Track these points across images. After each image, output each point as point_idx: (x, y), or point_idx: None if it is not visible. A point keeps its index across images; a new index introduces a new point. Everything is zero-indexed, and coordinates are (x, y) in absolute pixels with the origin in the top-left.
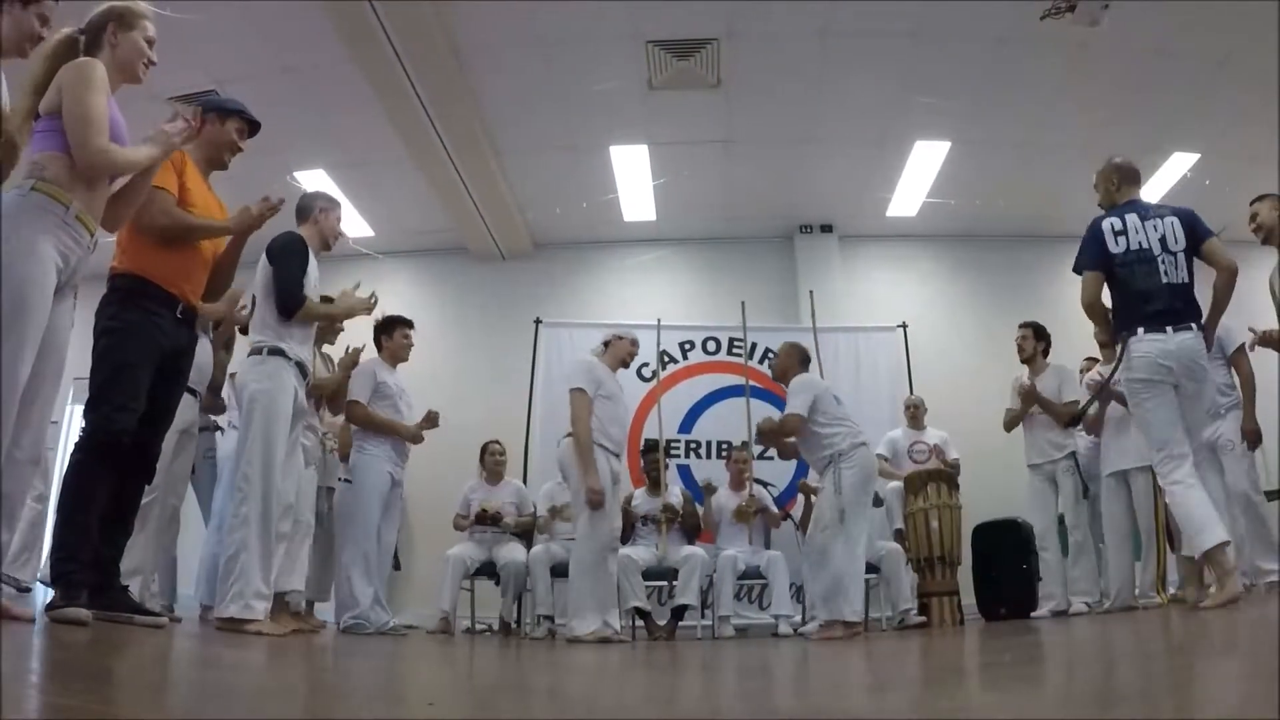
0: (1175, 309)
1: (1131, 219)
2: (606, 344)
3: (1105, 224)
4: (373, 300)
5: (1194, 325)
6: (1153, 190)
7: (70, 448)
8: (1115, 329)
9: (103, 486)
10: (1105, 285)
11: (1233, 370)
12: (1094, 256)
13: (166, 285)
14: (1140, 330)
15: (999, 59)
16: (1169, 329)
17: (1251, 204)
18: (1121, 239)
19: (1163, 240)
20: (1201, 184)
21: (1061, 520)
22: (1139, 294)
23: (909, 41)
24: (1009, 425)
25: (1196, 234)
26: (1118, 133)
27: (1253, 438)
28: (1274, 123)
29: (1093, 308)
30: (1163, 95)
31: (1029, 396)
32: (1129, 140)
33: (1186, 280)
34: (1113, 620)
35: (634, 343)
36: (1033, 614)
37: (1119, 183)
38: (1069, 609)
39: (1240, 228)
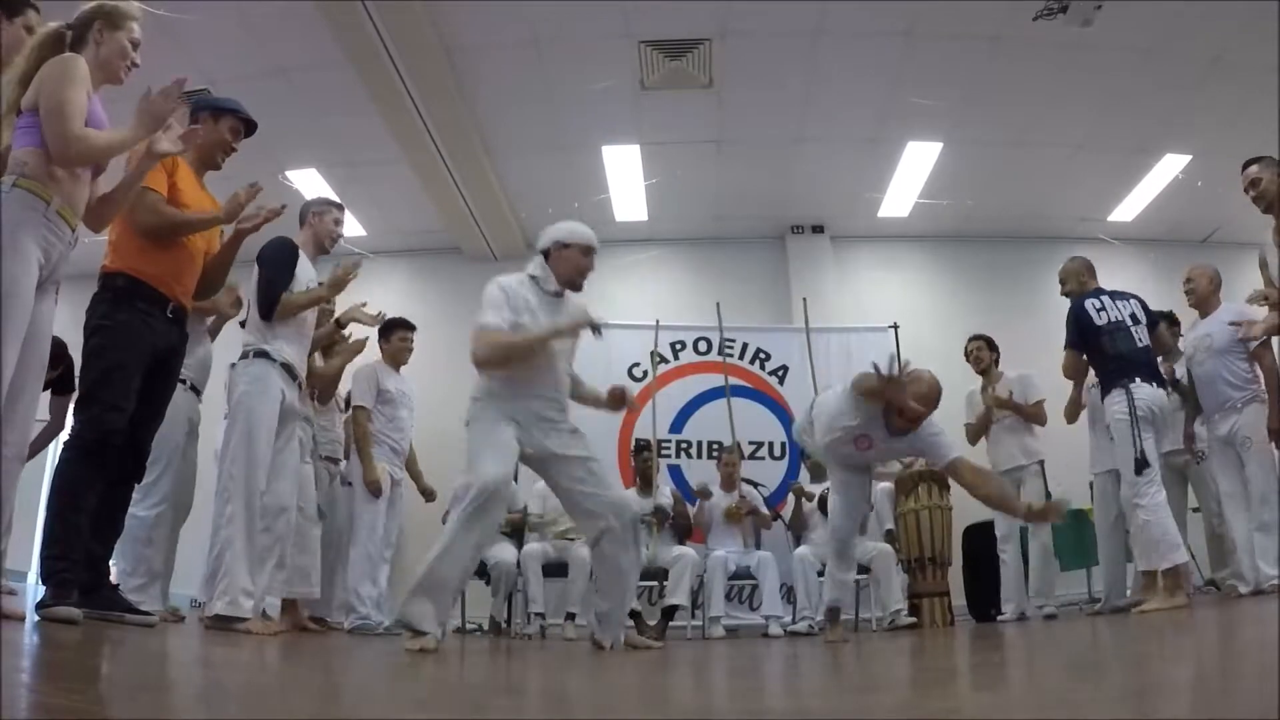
0: (1154, 369)
1: (1105, 299)
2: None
3: (1088, 304)
4: (380, 316)
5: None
6: (1145, 192)
7: None
8: (1107, 382)
9: (93, 486)
10: (1083, 358)
11: (1255, 364)
12: (1074, 336)
13: (157, 284)
14: (1138, 379)
15: (991, 60)
16: (1154, 384)
17: (1246, 167)
18: (1103, 314)
19: (1132, 315)
20: (1193, 185)
21: (1025, 526)
22: (1124, 356)
23: (901, 42)
24: (974, 437)
25: (1149, 315)
26: (1110, 134)
27: (1278, 437)
28: (1266, 124)
29: (1071, 378)
30: (1155, 96)
31: (1001, 402)
32: (1121, 141)
33: (1152, 346)
34: (1104, 622)
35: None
36: (999, 618)
37: (1088, 276)
38: (1027, 614)
39: (1233, 229)
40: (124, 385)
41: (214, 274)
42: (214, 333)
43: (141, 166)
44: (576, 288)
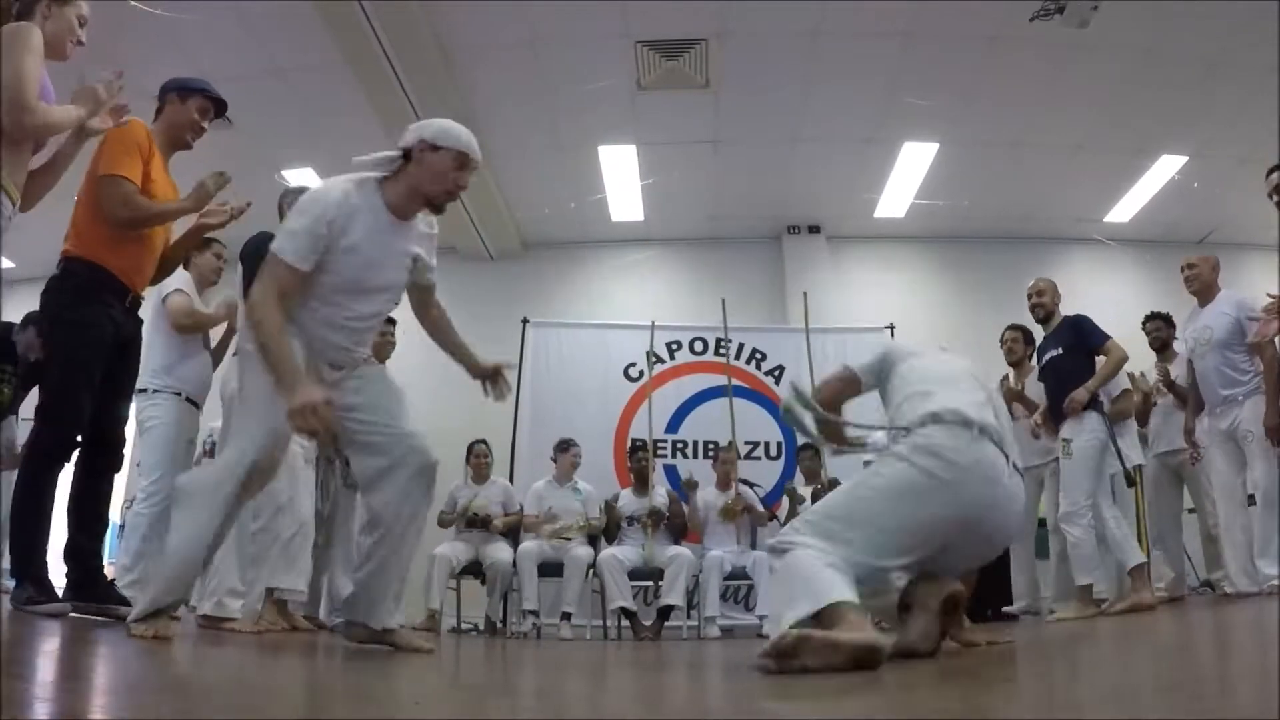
0: None
1: None
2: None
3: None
4: None
5: None
6: (1141, 193)
7: None
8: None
9: (52, 487)
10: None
11: (1255, 356)
12: (1102, 332)
13: (120, 276)
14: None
15: (988, 60)
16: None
17: (1270, 173)
18: None
19: None
20: (1189, 186)
21: (1042, 522)
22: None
23: (898, 42)
24: None
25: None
26: (1106, 135)
27: (1275, 434)
28: (1265, 124)
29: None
30: (1152, 97)
31: (1014, 394)
32: (1117, 142)
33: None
34: (1101, 622)
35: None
36: (1005, 611)
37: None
38: (1040, 611)
39: (1229, 231)
40: (87, 388)
41: (169, 264)
42: (210, 346)
43: (71, 148)
44: (438, 209)
